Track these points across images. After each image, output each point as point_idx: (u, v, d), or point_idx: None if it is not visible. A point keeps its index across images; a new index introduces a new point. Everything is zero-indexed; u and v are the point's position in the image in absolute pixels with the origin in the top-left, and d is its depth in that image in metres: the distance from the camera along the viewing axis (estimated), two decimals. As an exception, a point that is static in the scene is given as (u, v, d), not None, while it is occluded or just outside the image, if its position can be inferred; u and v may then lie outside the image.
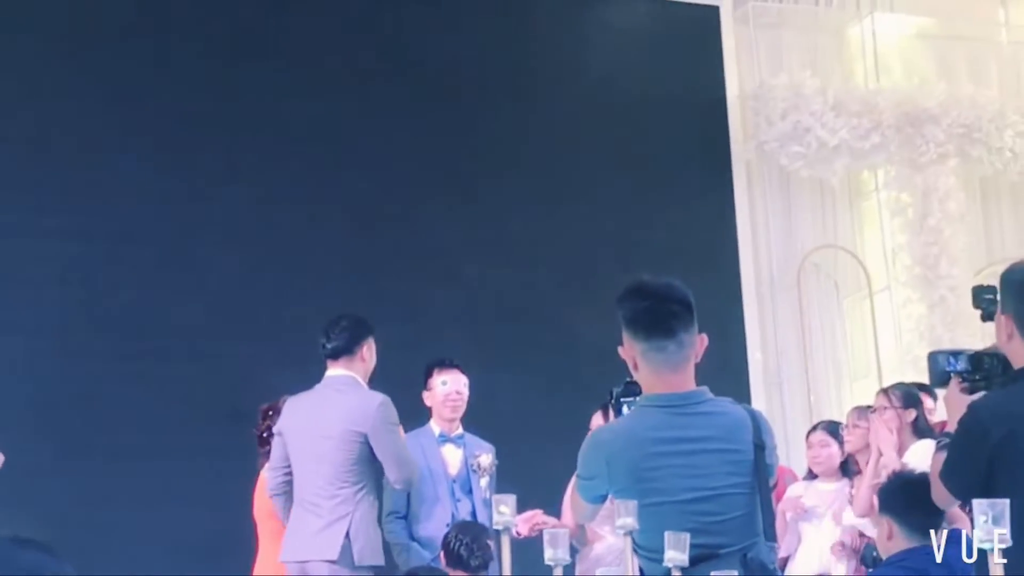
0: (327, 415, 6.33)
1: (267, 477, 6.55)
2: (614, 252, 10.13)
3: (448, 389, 7.09)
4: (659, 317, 3.96)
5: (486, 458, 7.10)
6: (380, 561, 6.42)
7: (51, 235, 8.86)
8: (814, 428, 8.07)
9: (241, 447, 7.31)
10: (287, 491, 6.44)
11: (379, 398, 6.40)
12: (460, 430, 7.15)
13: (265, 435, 6.88)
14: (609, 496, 3.98)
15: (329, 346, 6.50)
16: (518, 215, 10.03)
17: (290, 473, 6.42)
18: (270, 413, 6.88)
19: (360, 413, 6.31)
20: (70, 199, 8.99)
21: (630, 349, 4.01)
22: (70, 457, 8.40)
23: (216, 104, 9.44)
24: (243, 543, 6.95)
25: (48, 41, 9.09)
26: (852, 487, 7.50)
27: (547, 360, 9.68)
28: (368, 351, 6.52)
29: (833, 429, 7.81)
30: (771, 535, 3.97)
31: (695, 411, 3.96)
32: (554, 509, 7.15)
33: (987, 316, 4.03)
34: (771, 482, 4.04)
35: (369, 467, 6.33)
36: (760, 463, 3.93)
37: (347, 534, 6.22)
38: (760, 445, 3.94)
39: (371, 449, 6.30)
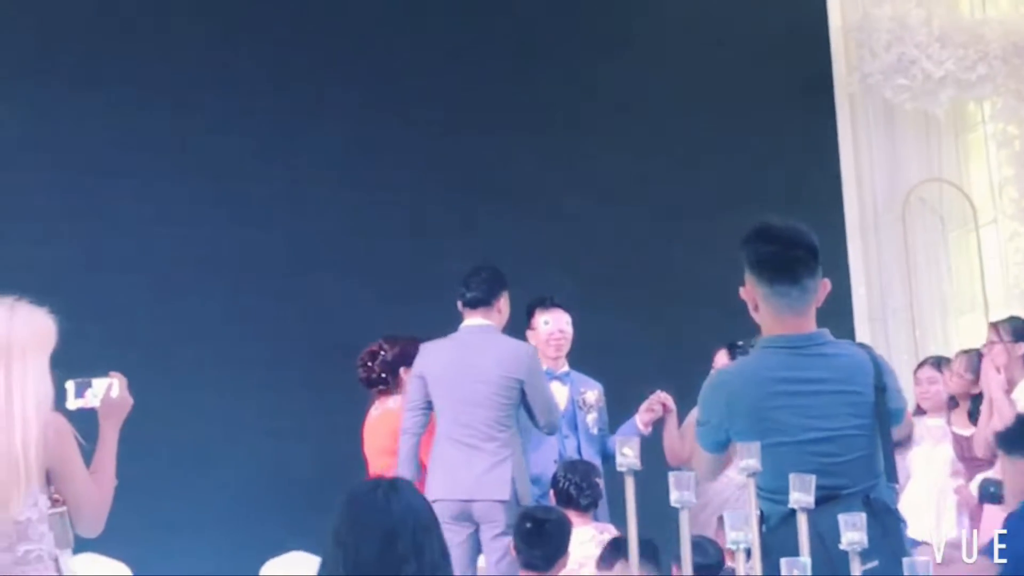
0: (479, 361, 6.46)
1: (404, 416, 6.64)
2: (716, 189, 10.06)
3: (551, 328, 7.14)
4: (784, 262, 3.93)
5: (592, 394, 7.15)
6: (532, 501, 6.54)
7: (156, 175, 8.93)
8: (922, 364, 8.02)
9: (343, 382, 7.41)
10: (420, 431, 6.55)
11: (530, 347, 6.69)
12: (566, 367, 7.19)
13: (377, 375, 6.96)
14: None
15: (468, 295, 6.62)
16: (618, 153, 9.96)
17: (427, 414, 6.55)
18: (380, 353, 6.97)
19: (515, 360, 6.46)
20: (169, 139, 9.03)
21: (752, 291, 3.99)
22: (176, 392, 8.48)
23: (309, 38, 9.46)
24: (348, 479, 7.00)
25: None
26: (951, 423, 7.46)
27: (653, 297, 9.65)
28: (504, 303, 6.65)
29: (941, 365, 7.75)
30: (892, 476, 3.94)
31: (816, 352, 3.94)
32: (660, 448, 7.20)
33: None
34: (897, 424, 3.98)
35: (517, 411, 6.47)
36: (881, 405, 3.89)
37: (512, 475, 6.33)
38: (881, 387, 3.91)
39: (521, 394, 6.44)
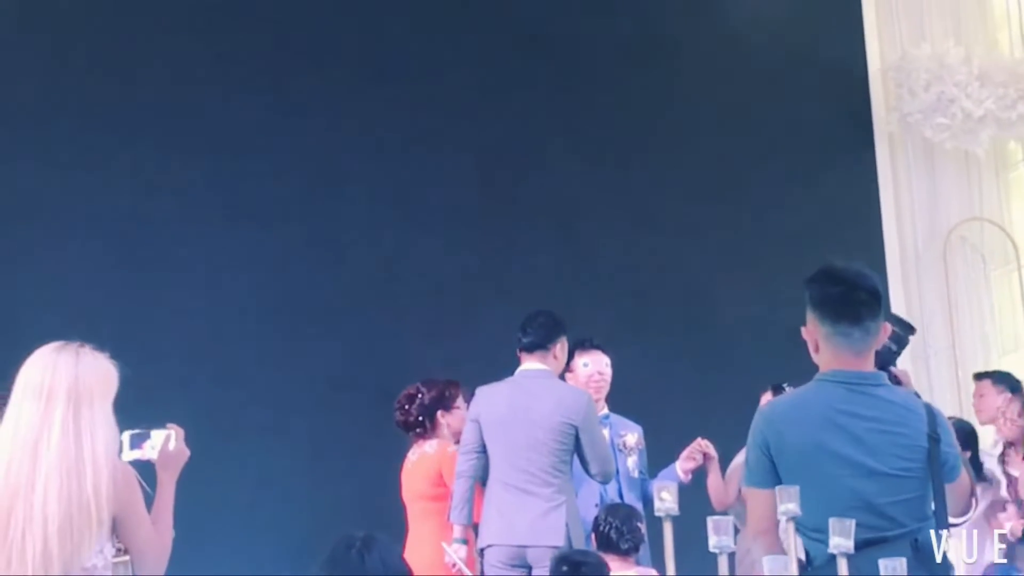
0: (537, 406, 6.50)
1: (459, 460, 6.66)
2: (759, 228, 10.08)
3: (590, 371, 7.13)
4: (848, 304, 4.00)
5: (632, 437, 7.13)
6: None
7: (199, 221, 9.01)
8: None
9: (380, 426, 7.43)
10: (476, 475, 6.58)
11: (587, 394, 6.66)
12: (606, 410, 7.17)
13: (415, 419, 6.96)
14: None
15: (525, 340, 6.67)
16: (662, 191, 9.99)
17: (482, 458, 6.58)
18: (418, 397, 6.98)
19: (573, 407, 6.50)
20: (219, 188, 9.11)
21: (814, 331, 4.05)
22: (216, 436, 8.53)
23: (354, 83, 9.53)
24: (387, 522, 7.02)
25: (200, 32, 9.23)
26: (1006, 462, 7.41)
27: (692, 336, 9.65)
28: (561, 349, 6.70)
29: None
30: (943, 522, 3.91)
31: (872, 392, 3.96)
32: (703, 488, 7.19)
33: None
34: (951, 481, 3.95)
35: (572, 457, 6.50)
36: (935, 453, 3.88)
37: (566, 521, 6.37)
38: (935, 437, 3.90)
39: (576, 440, 6.47)
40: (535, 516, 6.36)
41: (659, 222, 9.92)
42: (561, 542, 6.31)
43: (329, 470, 8.80)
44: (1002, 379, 8.00)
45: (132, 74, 9.04)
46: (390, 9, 9.72)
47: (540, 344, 6.65)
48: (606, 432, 7.04)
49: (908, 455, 3.88)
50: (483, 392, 6.67)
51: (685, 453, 7.12)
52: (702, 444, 7.13)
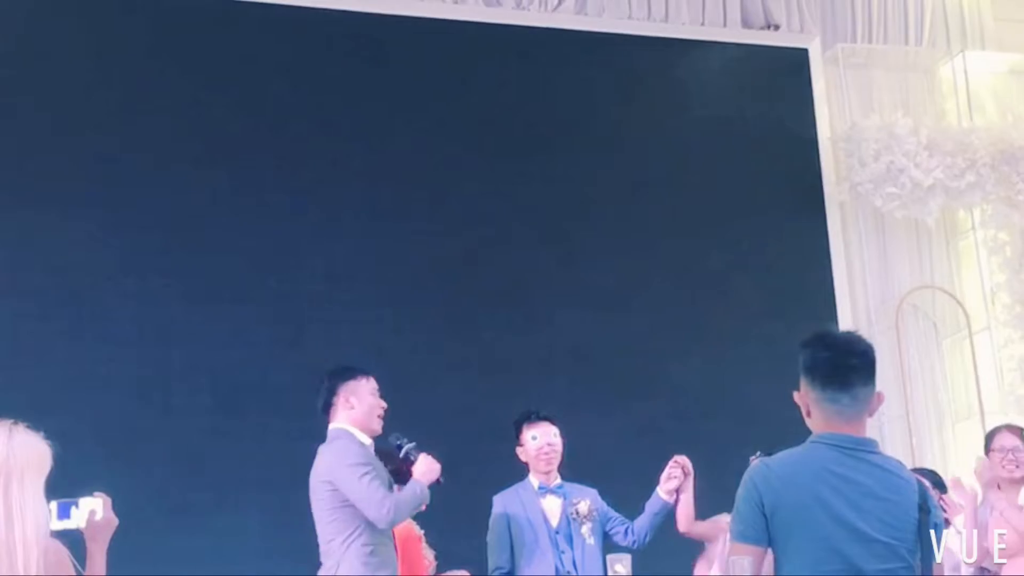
0: (312, 472, 6.33)
1: None
2: (709, 295, 10.10)
3: (540, 443, 7.06)
4: (838, 369, 3.97)
5: (584, 505, 7.06)
6: None
7: (152, 295, 8.95)
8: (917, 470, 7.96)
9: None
10: None
11: (338, 443, 6.32)
12: (558, 480, 7.11)
13: None
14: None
15: (319, 404, 6.48)
16: (608, 259, 10.01)
17: None
18: None
19: (324, 462, 6.26)
20: (169, 260, 9.06)
21: (805, 396, 4.02)
22: (167, 512, 8.43)
23: (317, 166, 9.54)
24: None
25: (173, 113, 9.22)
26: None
27: (643, 403, 9.62)
28: (347, 397, 6.41)
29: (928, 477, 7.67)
30: None
31: (865, 458, 3.93)
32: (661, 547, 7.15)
33: None
34: (935, 552, 3.93)
35: (353, 513, 6.17)
36: (924, 525, 3.86)
37: None
38: (926, 509, 3.89)
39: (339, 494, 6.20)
40: None
41: (605, 291, 9.93)
42: None
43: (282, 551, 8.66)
44: None
45: (78, 141, 9.00)
46: (349, 86, 9.75)
47: (325, 404, 6.43)
48: (560, 502, 6.98)
49: (900, 524, 3.85)
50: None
51: (664, 475, 7.04)
52: (679, 461, 7.06)
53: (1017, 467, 7.20)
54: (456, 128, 9.92)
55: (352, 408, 6.40)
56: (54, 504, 4.14)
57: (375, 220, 9.55)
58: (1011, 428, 7.51)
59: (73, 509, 4.16)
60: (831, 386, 3.96)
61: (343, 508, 6.17)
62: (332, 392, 6.42)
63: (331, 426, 6.42)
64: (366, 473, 6.16)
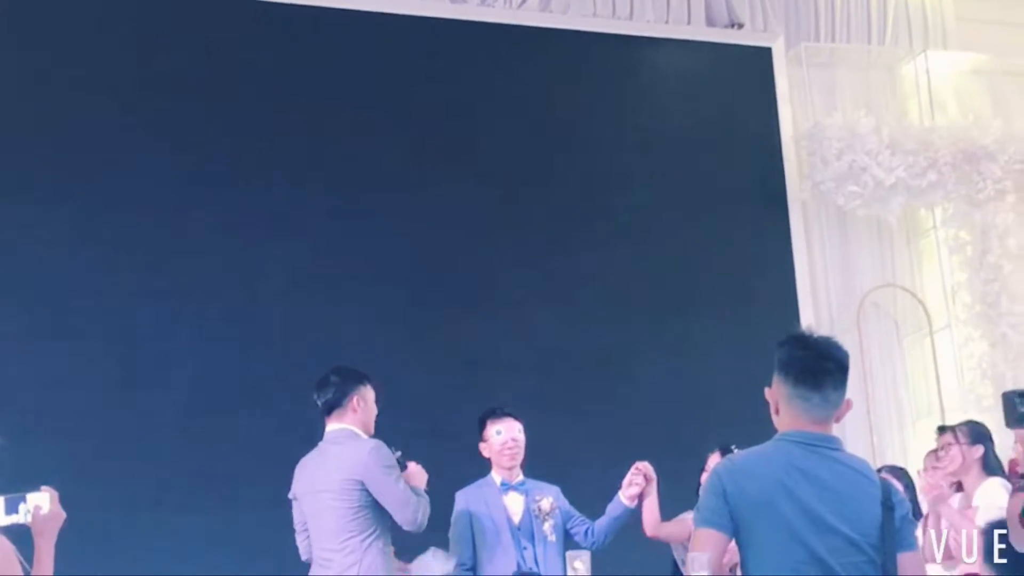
0: (326, 469, 6.31)
1: (297, 544, 6.52)
2: (671, 294, 10.12)
3: (503, 438, 7.06)
4: (811, 369, 4.02)
5: (547, 502, 7.07)
6: None
7: (120, 292, 8.90)
8: (878, 470, 7.99)
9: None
10: (308, 556, 6.43)
11: (371, 443, 6.33)
12: (521, 477, 7.12)
13: None
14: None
15: (320, 402, 6.49)
16: (572, 257, 10.00)
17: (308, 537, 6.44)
18: None
19: (353, 461, 6.25)
20: (139, 255, 9.01)
21: (776, 391, 4.07)
22: (135, 511, 8.39)
23: (285, 163, 9.50)
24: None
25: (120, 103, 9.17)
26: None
27: (606, 403, 9.64)
28: (359, 401, 6.45)
29: (897, 473, 7.72)
30: None
31: (829, 455, 3.98)
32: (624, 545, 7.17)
33: None
34: (910, 544, 3.97)
35: (376, 514, 6.25)
36: (888, 523, 3.90)
37: None
38: (889, 506, 3.92)
39: (373, 496, 6.24)
40: None
41: (568, 290, 9.94)
42: None
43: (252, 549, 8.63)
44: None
45: (45, 138, 8.95)
46: (314, 83, 9.71)
47: (335, 403, 6.45)
48: (522, 499, 7.00)
49: (861, 519, 3.88)
50: (297, 467, 6.52)
51: (626, 480, 7.06)
52: (641, 467, 7.08)
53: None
54: (422, 125, 9.89)
55: (358, 412, 6.45)
56: (1, 499, 4.12)
57: (342, 218, 9.50)
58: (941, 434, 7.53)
59: (21, 504, 4.14)
60: (803, 384, 4.01)
61: (370, 508, 6.22)
62: (344, 394, 6.45)
63: (337, 426, 6.43)
64: (400, 477, 6.26)
